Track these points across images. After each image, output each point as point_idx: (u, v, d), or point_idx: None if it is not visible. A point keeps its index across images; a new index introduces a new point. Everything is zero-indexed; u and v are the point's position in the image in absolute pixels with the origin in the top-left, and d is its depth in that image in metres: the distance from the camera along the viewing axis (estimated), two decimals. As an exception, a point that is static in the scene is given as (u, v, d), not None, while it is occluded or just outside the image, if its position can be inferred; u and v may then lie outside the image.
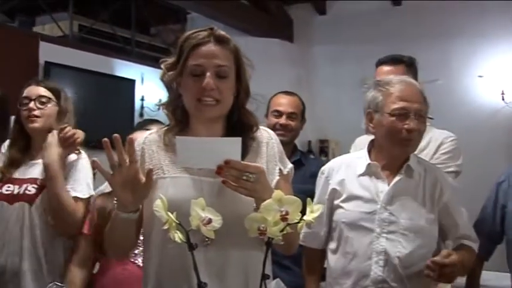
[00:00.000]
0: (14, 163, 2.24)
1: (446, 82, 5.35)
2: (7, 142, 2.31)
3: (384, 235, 1.90)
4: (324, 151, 6.20)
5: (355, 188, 1.99)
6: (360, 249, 1.93)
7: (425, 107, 1.94)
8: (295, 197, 1.30)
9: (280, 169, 1.59)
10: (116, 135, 1.36)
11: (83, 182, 2.19)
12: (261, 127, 1.64)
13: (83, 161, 2.22)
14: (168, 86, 1.57)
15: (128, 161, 1.37)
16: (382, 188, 1.95)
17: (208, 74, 1.47)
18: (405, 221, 1.90)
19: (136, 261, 1.98)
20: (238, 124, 1.57)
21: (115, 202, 1.48)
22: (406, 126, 1.89)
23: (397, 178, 1.95)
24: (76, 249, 2.13)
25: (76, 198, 2.14)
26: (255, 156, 1.55)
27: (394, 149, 1.96)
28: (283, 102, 2.80)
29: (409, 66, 2.50)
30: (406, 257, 1.88)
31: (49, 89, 2.26)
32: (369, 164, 1.99)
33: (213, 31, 1.52)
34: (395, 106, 1.91)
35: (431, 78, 5.19)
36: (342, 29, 6.13)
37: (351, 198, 1.98)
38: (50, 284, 1.25)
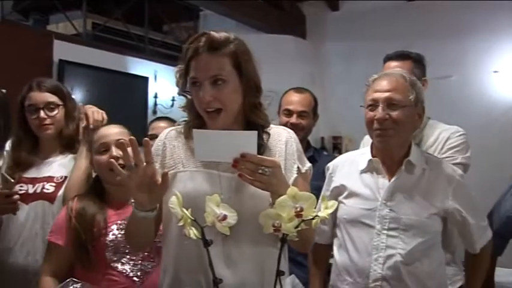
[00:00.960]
0: (21, 164, 2.24)
1: (461, 78, 5.31)
2: (9, 142, 2.31)
3: (385, 232, 1.89)
4: (337, 147, 6.18)
5: (356, 184, 1.99)
6: (360, 246, 1.92)
7: (405, 96, 1.88)
8: (309, 193, 1.30)
9: (298, 167, 1.60)
10: (131, 137, 1.38)
11: None
12: (280, 126, 1.66)
13: None
14: (182, 91, 1.59)
15: (144, 162, 1.38)
16: (383, 184, 1.94)
17: (203, 86, 1.48)
18: (406, 217, 1.88)
19: (125, 272, 1.90)
20: (251, 122, 1.58)
21: (132, 201, 1.48)
22: (375, 116, 1.89)
23: (397, 174, 1.94)
24: (49, 260, 1.97)
25: None
26: (271, 153, 1.56)
27: (375, 141, 1.96)
28: (294, 101, 2.78)
29: (417, 62, 2.49)
30: (408, 254, 1.86)
31: (54, 93, 2.26)
32: (370, 159, 1.99)
33: (207, 37, 1.50)
34: (368, 98, 1.93)
35: (446, 74, 5.18)
36: (355, 26, 6.09)
37: (352, 194, 1.98)
38: (67, 280, 1.26)
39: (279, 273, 1.30)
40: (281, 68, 5.02)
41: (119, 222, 1.95)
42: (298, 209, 1.27)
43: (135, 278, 1.90)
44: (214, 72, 1.48)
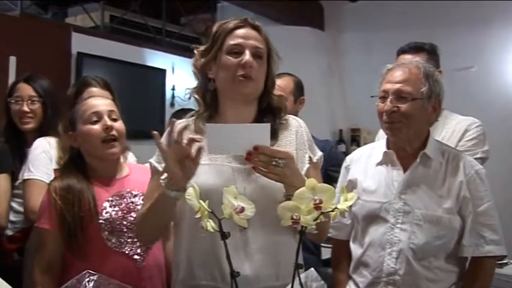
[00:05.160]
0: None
1: (482, 69, 5.20)
2: (51, 139, 2.37)
3: (399, 226, 1.86)
4: (355, 140, 6.12)
5: (371, 177, 1.97)
6: (374, 240, 1.90)
7: (416, 88, 1.84)
8: (328, 185, 1.29)
9: (310, 157, 1.60)
10: (172, 119, 1.45)
11: None
12: (290, 116, 1.66)
13: None
14: (199, 71, 1.59)
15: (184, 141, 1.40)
16: (397, 177, 1.91)
17: (247, 51, 1.52)
18: (420, 211, 1.85)
19: (125, 252, 1.82)
20: (268, 108, 1.60)
21: (161, 181, 1.48)
22: (384, 108, 1.86)
23: (412, 167, 1.90)
24: (41, 250, 1.85)
25: None
26: (285, 141, 1.58)
27: (385, 133, 1.94)
28: None
29: (431, 53, 2.46)
30: (420, 248, 1.83)
31: (110, 93, 2.38)
32: (385, 152, 1.96)
33: (246, 19, 1.58)
34: (380, 88, 1.90)
35: (466, 65, 5.09)
36: (374, 16, 6.01)
37: (367, 188, 1.96)
38: (84, 272, 1.25)
39: (298, 267, 1.28)
40: (299, 59, 4.96)
41: (110, 198, 1.86)
42: (317, 201, 1.25)
43: (136, 257, 1.82)
44: (258, 44, 1.55)
